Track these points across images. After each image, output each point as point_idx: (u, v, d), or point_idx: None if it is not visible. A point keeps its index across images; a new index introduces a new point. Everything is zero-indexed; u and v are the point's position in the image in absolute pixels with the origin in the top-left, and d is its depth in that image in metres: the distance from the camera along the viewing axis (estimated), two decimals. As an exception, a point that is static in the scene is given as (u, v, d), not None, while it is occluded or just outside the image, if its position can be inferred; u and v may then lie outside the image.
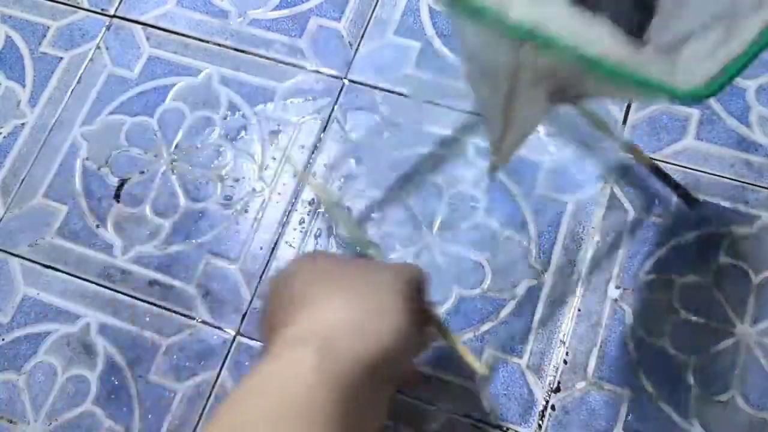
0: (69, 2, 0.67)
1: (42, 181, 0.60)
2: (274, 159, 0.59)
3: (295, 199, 0.58)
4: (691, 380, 0.50)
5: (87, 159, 0.61)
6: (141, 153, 0.61)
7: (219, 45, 0.63)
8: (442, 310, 0.53)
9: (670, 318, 0.52)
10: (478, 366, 0.45)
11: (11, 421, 0.54)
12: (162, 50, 0.64)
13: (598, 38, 0.27)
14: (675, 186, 0.53)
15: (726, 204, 0.54)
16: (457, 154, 0.46)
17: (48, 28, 0.66)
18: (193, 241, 0.57)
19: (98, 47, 0.65)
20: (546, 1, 0.28)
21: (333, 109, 0.60)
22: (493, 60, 0.30)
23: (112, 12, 0.66)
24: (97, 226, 0.59)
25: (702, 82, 0.27)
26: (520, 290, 0.53)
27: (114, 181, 0.60)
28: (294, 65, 0.62)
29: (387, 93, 0.60)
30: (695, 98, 0.27)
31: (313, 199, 0.57)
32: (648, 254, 0.54)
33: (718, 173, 0.55)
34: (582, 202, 0.55)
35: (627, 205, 0.55)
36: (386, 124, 0.59)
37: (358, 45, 0.62)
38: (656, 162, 0.54)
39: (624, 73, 0.26)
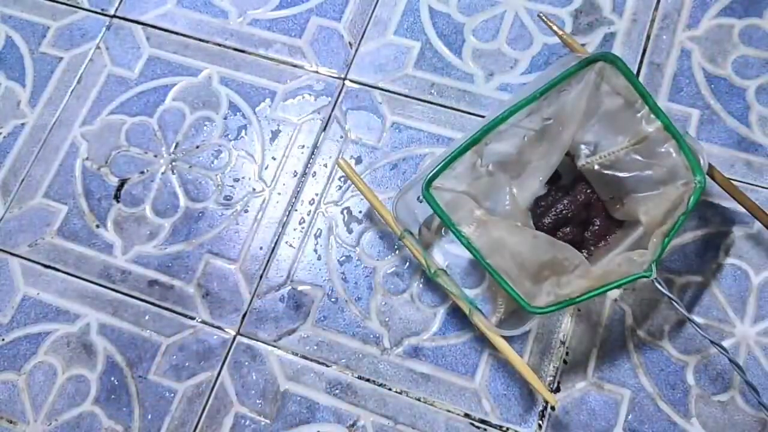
0: (69, 2, 0.67)
1: (42, 181, 0.60)
2: (274, 159, 0.59)
3: (295, 198, 0.58)
4: (691, 380, 0.50)
5: (87, 159, 0.61)
6: (141, 153, 0.61)
7: (219, 45, 0.63)
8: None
9: (670, 318, 0.52)
10: (549, 397, 0.47)
11: (11, 421, 0.54)
12: (162, 50, 0.64)
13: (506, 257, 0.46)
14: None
15: (726, 204, 0.54)
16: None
17: (48, 28, 0.66)
18: (193, 241, 0.57)
19: (98, 47, 0.65)
20: (494, 226, 0.46)
21: (333, 109, 0.60)
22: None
23: (112, 12, 0.66)
24: (97, 226, 0.59)
25: (542, 305, 0.45)
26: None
27: (114, 181, 0.60)
28: (294, 65, 0.62)
29: (387, 93, 0.60)
30: (534, 313, 0.45)
31: (312, 199, 0.58)
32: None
33: (718, 173, 0.55)
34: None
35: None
36: (386, 124, 0.59)
37: (358, 45, 0.62)
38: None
39: (502, 283, 0.46)
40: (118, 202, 0.59)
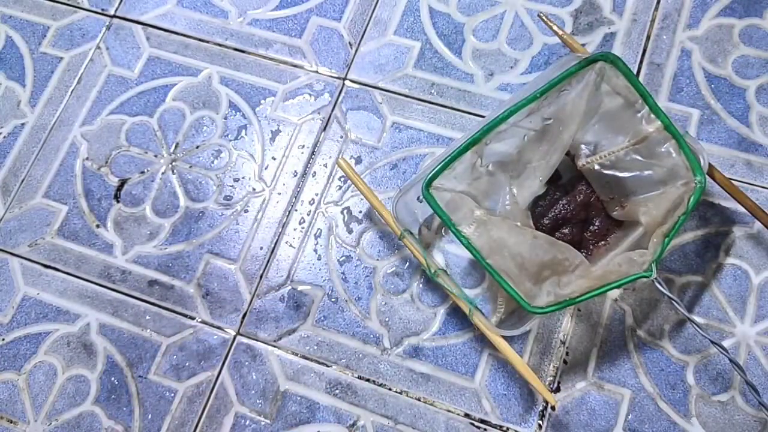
0: (69, 2, 0.67)
1: (42, 181, 0.60)
2: (274, 159, 0.59)
3: (295, 198, 0.58)
4: (691, 380, 0.50)
5: (87, 159, 0.61)
6: (141, 153, 0.61)
7: (219, 45, 0.64)
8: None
9: (670, 318, 0.52)
10: (549, 397, 0.47)
11: (11, 421, 0.54)
12: (162, 50, 0.64)
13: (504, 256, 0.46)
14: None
15: (726, 204, 0.54)
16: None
17: (48, 28, 0.66)
18: (193, 241, 0.57)
19: (98, 47, 0.65)
20: (494, 226, 0.45)
21: (333, 109, 0.60)
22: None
23: (112, 12, 0.66)
24: (97, 226, 0.59)
25: (542, 305, 0.45)
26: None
27: (114, 181, 0.60)
28: (294, 65, 0.62)
29: (387, 93, 0.60)
30: (534, 313, 0.45)
31: (312, 199, 0.58)
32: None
33: (718, 173, 0.55)
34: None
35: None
36: (386, 124, 0.59)
37: (358, 45, 0.62)
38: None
39: (502, 283, 0.45)
40: (118, 202, 0.59)
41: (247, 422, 0.52)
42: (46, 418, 0.54)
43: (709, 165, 0.51)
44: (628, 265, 0.45)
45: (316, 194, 0.58)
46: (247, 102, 0.61)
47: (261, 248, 0.57)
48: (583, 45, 0.59)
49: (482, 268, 0.46)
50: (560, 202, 0.50)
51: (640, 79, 0.58)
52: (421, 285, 0.54)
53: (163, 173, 0.60)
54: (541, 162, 0.48)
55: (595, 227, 0.51)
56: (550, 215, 0.50)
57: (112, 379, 0.54)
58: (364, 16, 0.63)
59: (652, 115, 0.46)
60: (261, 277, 0.56)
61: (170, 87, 0.62)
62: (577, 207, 0.50)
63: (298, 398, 0.52)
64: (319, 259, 0.56)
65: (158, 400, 0.53)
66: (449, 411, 0.51)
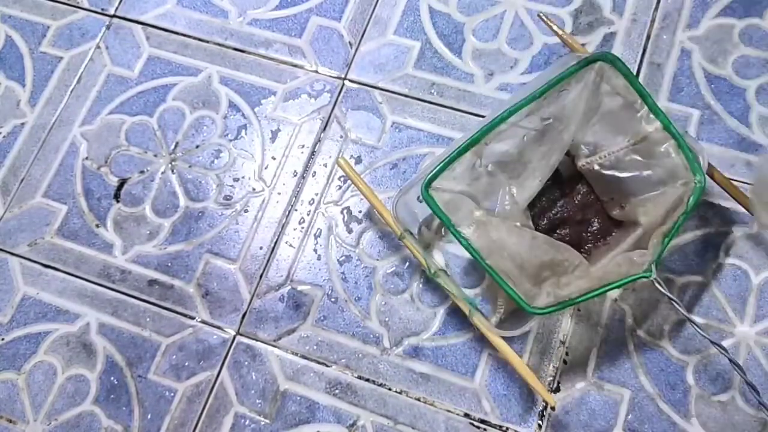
0: (69, 2, 0.67)
1: (42, 181, 0.60)
2: (274, 159, 0.59)
3: (295, 198, 0.58)
4: (691, 380, 0.50)
5: (87, 159, 0.61)
6: (141, 153, 0.61)
7: (219, 45, 0.63)
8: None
9: (670, 318, 0.52)
10: (548, 398, 0.47)
11: (11, 421, 0.54)
12: (162, 50, 0.64)
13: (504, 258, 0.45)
14: None
15: (726, 204, 0.54)
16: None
17: (48, 27, 0.66)
18: (193, 241, 0.57)
19: (98, 47, 0.65)
20: (494, 227, 0.45)
21: (333, 109, 0.60)
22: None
23: (112, 12, 0.66)
24: (97, 226, 0.59)
25: (542, 306, 0.45)
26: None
27: (114, 180, 0.60)
28: (294, 65, 0.62)
29: (387, 93, 0.60)
30: (533, 313, 0.45)
31: (312, 199, 0.58)
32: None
33: (718, 173, 0.55)
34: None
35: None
36: (386, 124, 0.59)
37: (358, 45, 0.62)
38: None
39: (502, 284, 0.45)
40: (117, 201, 0.59)
41: (247, 422, 0.52)
42: (46, 418, 0.53)
43: (709, 165, 0.51)
44: (627, 265, 0.45)
45: (316, 194, 0.58)
46: (247, 102, 0.61)
47: (261, 248, 0.57)
48: (583, 45, 0.59)
49: (482, 268, 0.46)
50: (558, 202, 0.50)
51: (640, 79, 0.58)
52: (421, 285, 0.54)
53: (162, 173, 0.60)
54: (540, 162, 0.48)
55: (595, 228, 0.51)
56: (548, 215, 0.50)
57: (112, 378, 0.54)
58: (364, 15, 0.63)
59: (652, 116, 0.46)
60: (261, 277, 0.56)
61: (170, 87, 0.62)
62: (575, 207, 0.50)
63: (298, 398, 0.52)
64: (318, 259, 0.56)
65: (158, 399, 0.53)
66: (449, 411, 0.51)
